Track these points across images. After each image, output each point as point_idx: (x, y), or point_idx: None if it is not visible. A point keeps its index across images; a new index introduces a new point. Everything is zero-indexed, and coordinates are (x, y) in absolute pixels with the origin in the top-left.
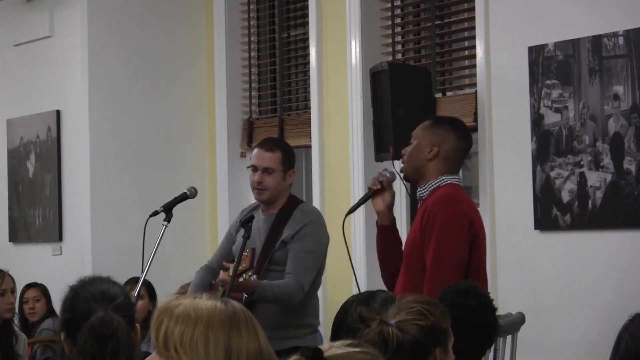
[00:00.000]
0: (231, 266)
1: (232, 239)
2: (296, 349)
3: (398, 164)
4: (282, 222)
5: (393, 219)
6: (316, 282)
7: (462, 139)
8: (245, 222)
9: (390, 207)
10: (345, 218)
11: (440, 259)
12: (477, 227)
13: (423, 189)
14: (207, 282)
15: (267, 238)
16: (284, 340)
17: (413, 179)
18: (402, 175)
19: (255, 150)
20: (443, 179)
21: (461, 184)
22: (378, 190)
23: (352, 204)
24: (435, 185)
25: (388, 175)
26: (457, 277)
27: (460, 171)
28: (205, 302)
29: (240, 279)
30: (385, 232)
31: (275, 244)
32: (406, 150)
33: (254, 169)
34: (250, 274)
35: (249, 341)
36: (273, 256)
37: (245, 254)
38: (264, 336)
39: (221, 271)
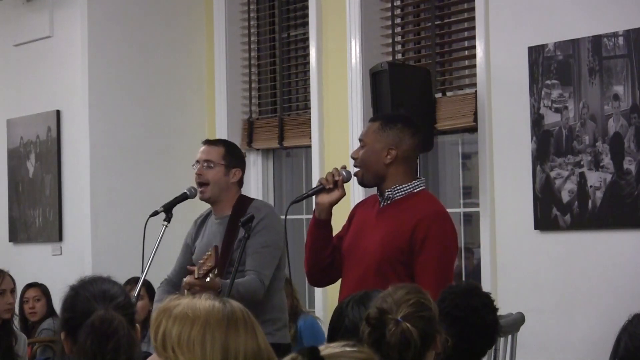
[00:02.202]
0: (196, 268)
1: (190, 250)
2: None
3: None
4: (238, 222)
5: (331, 215)
6: (279, 275)
7: (416, 134)
8: (246, 222)
9: (334, 204)
10: (289, 207)
11: (443, 277)
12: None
13: (395, 190)
14: (171, 295)
15: (225, 240)
16: None
17: (372, 184)
18: (357, 180)
19: (200, 147)
20: (416, 184)
21: None
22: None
23: (352, 204)
24: (409, 190)
25: (344, 174)
26: None
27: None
28: (204, 302)
29: (207, 279)
30: (323, 226)
31: (233, 244)
32: (357, 154)
33: (197, 163)
34: (216, 272)
35: (247, 341)
36: (232, 257)
37: (209, 252)
38: (263, 336)
39: (188, 275)
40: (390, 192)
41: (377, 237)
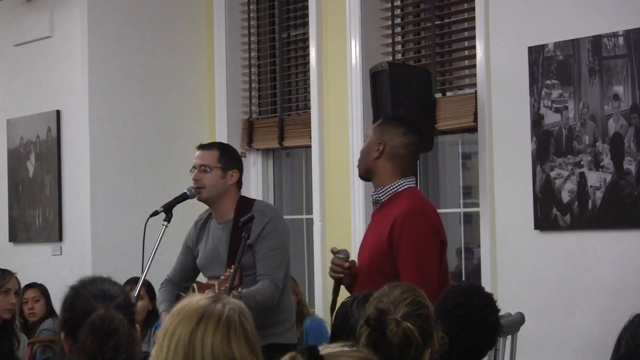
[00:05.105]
0: (216, 283)
1: (192, 252)
2: (276, 346)
3: None
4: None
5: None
6: (286, 276)
7: (407, 134)
8: (246, 222)
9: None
10: (333, 313)
11: (422, 274)
12: (442, 233)
13: (380, 192)
14: (175, 295)
15: (230, 245)
16: (263, 339)
17: (365, 179)
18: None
19: (196, 152)
20: (401, 183)
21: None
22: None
23: (352, 203)
24: (393, 190)
25: (341, 255)
26: (437, 287)
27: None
28: (198, 301)
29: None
30: None
31: (239, 249)
32: (362, 149)
33: (194, 169)
34: (240, 290)
35: (214, 342)
36: (240, 262)
37: (227, 274)
38: (243, 346)
39: (207, 290)
40: (376, 195)
41: (367, 243)
